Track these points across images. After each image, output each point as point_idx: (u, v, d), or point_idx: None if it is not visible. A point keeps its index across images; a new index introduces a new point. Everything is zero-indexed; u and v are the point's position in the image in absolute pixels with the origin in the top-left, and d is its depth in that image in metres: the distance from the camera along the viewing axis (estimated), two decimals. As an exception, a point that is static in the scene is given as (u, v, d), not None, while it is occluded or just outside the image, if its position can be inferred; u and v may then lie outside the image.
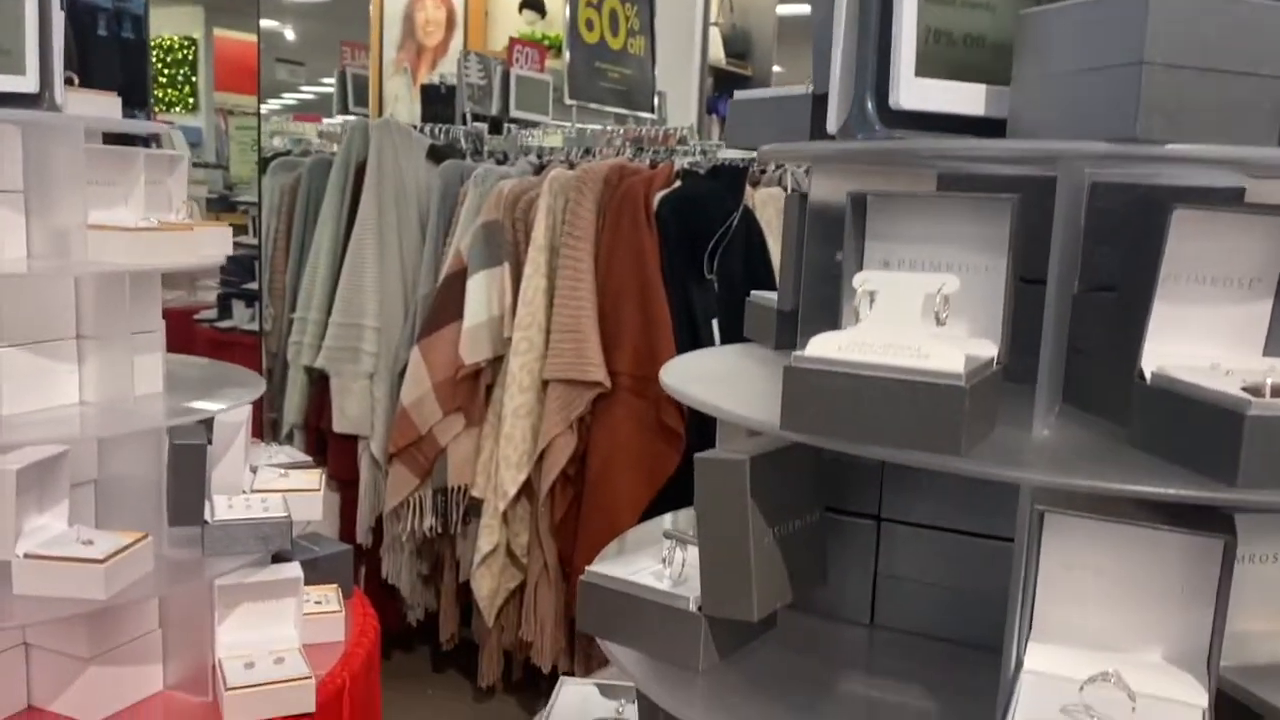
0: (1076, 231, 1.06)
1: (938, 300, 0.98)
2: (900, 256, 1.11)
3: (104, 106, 1.84)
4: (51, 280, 1.71)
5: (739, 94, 1.34)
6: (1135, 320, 1.00)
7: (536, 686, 3.30)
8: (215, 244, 1.86)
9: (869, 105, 1.05)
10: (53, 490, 1.64)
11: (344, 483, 3.32)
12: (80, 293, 1.74)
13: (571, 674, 3.08)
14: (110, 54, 3.32)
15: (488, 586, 3.07)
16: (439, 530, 3.18)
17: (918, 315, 0.98)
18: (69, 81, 1.72)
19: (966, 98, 1.05)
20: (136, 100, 3.24)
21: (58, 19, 1.65)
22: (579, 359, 2.92)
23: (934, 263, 1.09)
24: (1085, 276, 1.20)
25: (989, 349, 1.02)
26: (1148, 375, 0.97)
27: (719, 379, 1.28)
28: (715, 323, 3.08)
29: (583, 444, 3.01)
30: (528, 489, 3.04)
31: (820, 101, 1.17)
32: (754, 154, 3.25)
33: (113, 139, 1.96)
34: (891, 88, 1.03)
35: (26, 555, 1.56)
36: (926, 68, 1.04)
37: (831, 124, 1.10)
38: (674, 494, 2.83)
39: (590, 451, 3.00)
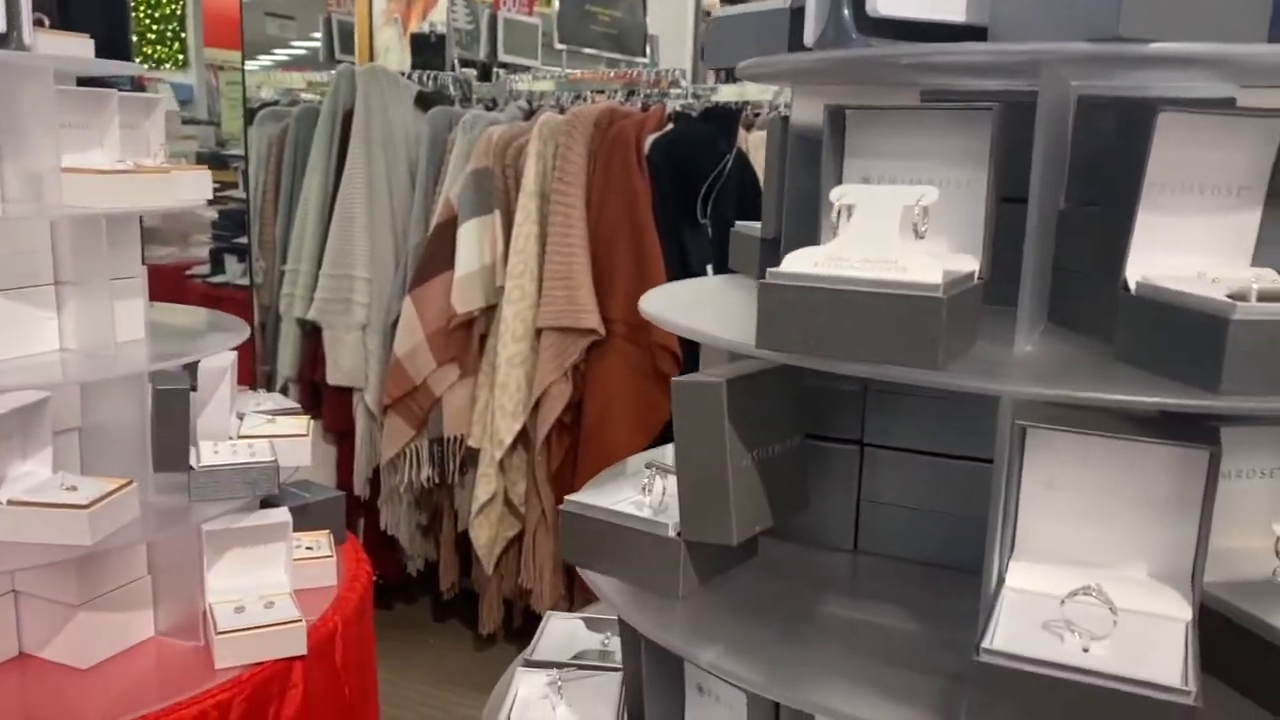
0: (1061, 143, 1.03)
1: (916, 212, 0.96)
2: (880, 173, 1.08)
3: (76, 48, 1.80)
4: (27, 225, 1.68)
5: (717, 11, 1.30)
6: (1121, 233, 0.98)
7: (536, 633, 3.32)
8: (193, 187, 1.83)
9: (845, 12, 1.01)
10: (35, 437, 1.63)
11: (340, 435, 3.32)
12: (56, 237, 1.71)
13: (571, 620, 3.10)
14: (91, 4, 3.27)
15: (486, 535, 3.07)
16: (436, 480, 3.18)
17: (896, 229, 0.95)
18: (39, 23, 1.69)
19: (947, 4, 1.02)
20: (119, 52, 3.19)
21: (24, -42, 1.61)
22: (572, 306, 2.90)
23: (915, 178, 1.06)
24: (1075, 194, 1.17)
25: (970, 264, 1.00)
26: (1132, 286, 0.95)
27: (700, 306, 1.25)
28: (710, 267, 3.05)
29: (578, 392, 2.99)
30: (524, 437, 3.03)
31: (799, 15, 1.14)
32: (748, 96, 3.21)
33: (95, 87, 1.92)
34: (868, -6, 0.99)
35: (10, 502, 1.55)
36: (905, -27, 1.00)
37: (809, 35, 1.07)
38: (670, 440, 2.82)
39: (586, 399, 2.99)
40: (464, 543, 3.24)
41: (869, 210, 0.96)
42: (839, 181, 1.06)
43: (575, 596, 3.09)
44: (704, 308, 1.24)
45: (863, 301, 0.90)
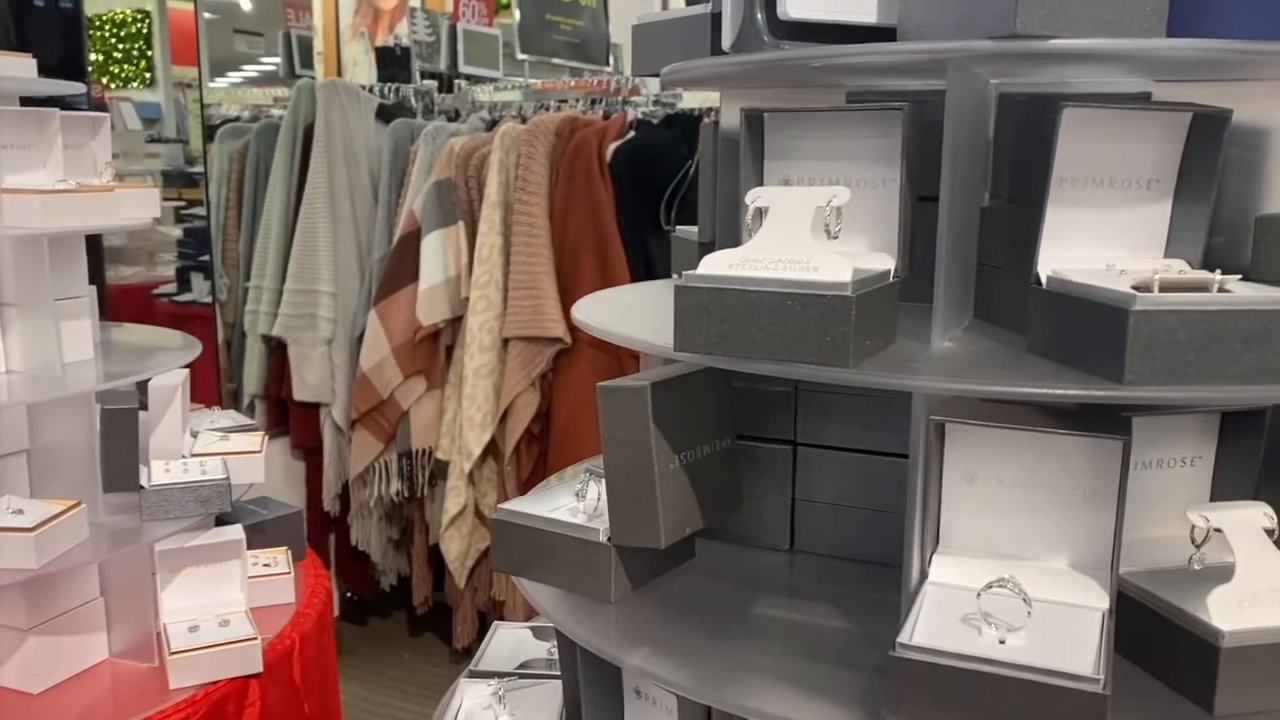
0: (975, 140, 1.04)
1: (828, 213, 0.96)
2: (800, 175, 1.09)
3: (16, 68, 1.79)
4: (-32, 247, 1.68)
5: (640, 18, 1.31)
6: (1032, 226, 0.98)
7: (512, 645, 3.31)
8: (139, 206, 1.82)
9: (759, 17, 1.02)
10: (-19, 460, 1.62)
11: (308, 451, 3.31)
12: (-1, 259, 1.71)
13: (545, 631, 3.09)
14: (48, 25, 3.26)
15: (458, 548, 3.06)
16: (406, 494, 3.17)
17: (808, 229, 0.96)
18: (-21, 45, 1.68)
19: (857, 6, 1.03)
20: (74, 71, 3.18)
21: (-40, -21, 1.61)
22: (538, 315, 2.91)
23: (833, 179, 1.07)
24: (999, 190, 1.18)
25: (886, 262, 1.00)
26: (1043, 279, 0.96)
27: (635, 310, 1.26)
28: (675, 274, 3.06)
29: (546, 401, 2.99)
30: (493, 448, 3.03)
31: (719, 20, 1.14)
32: (711, 102, 3.21)
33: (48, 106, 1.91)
34: (779, -2, 1.00)
35: (-45, 526, 1.54)
36: (814, -24, 1.01)
37: (725, 39, 1.08)
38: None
39: (554, 408, 2.99)
40: (436, 556, 3.23)
41: (782, 212, 0.97)
42: (760, 184, 1.06)
43: (548, 606, 3.08)
44: (640, 311, 1.25)
45: (774, 302, 0.90)
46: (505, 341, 2.97)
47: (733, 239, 1.25)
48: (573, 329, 2.92)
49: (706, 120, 3.14)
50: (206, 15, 4.72)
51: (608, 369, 2.92)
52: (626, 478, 1.05)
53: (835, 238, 0.97)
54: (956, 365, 0.92)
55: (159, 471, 1.76)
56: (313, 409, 3.23)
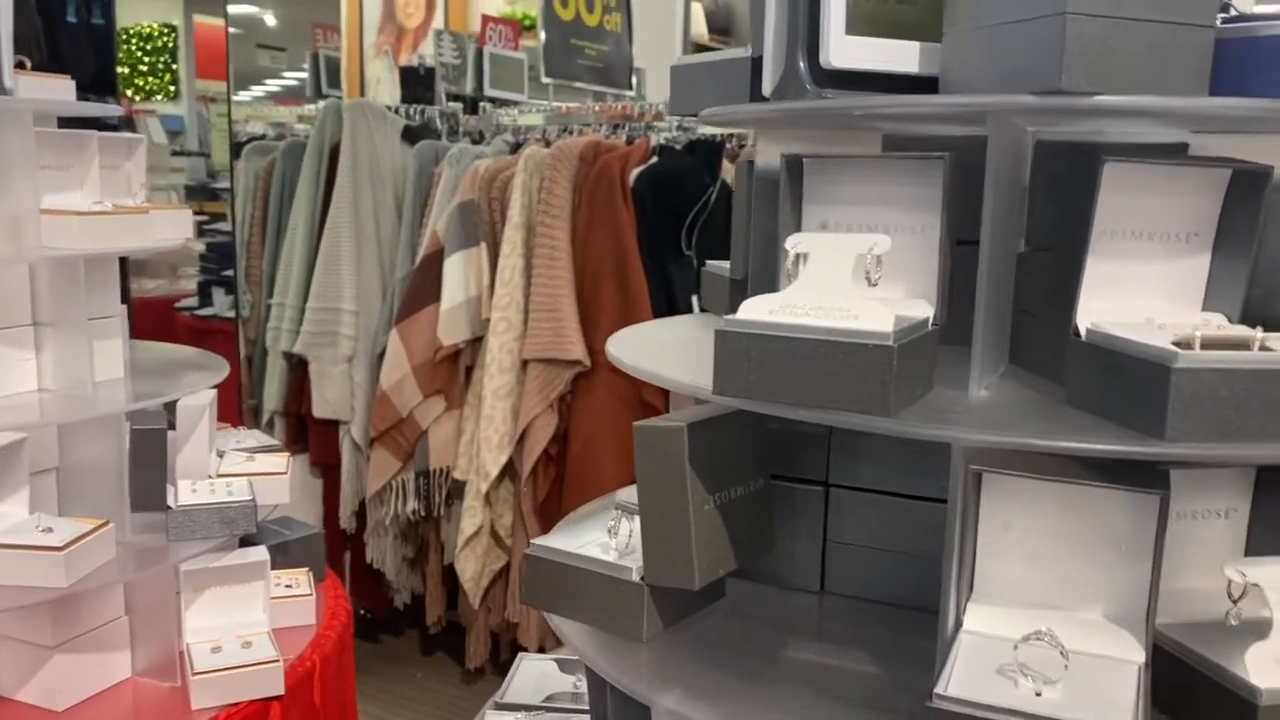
0: (1014, 189, 1.05)
1: (869, 261, 0.97)
2: (838, 219, 1.09)
3: (56, 90, 1.82)
4: (5, 267, 1.70)
5: (678, 60, 1.32)
6: (1071, 277, 0.99)
7: (524, 667, 3.31)
8: (173, 227, 1.84)
9: (801, 65, 1.03)
10: (12, 478, 1.63)
11: (326, 468, 3.32)
12: (35, 279, 1.73)
13: (558, 653, 3.09)
14: (79, 40, 3.30)
15: (472, 568, 3.07)
16: (422, 513, 3.18)
17: (849, 276, 0.96)
18: (20, 66, 1.70)
19: (899, 55, 1.04)
20: (105, 87, 3.22)
21: (5, 3, 1.63)
22: (558, 338, 2.92)
23: (871, 225, 1.08)
24: (1035, 237, 1.19)
25: (925, 310, 1.01)
26: (1082, 332, 0.96)
27: (668, 348, 1.27)
28: (696, 299, 3.07)
29: (564, 423, 3.00)
30: (510, 470, 3.04)
31: (759, 64, 1.16)
32: (731, 130, 3.24)
33: (84, 126, 1.94)
34: (822, 47, 1.01)
35: (-14, 543, 1.55)
36: (857, 26, 1.03)
37: (766, 85, 1.09)
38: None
39: (572, 431, 3.00)
40: (450, 576, 3.23)
41: (823, 258, 0.97)
42: (798, 228, 1.07)
43: (562, 629, 3.08)
44: (672, 349, 1.26)
45: (815, 350, 0.91)
46: (524, 363, 2.98)
47: (767, 277, 1.26)
48: (592, 352, 2.93)
49: (741, 159, 3.17)
50: (231, 30, 4.76)
51: (626, 393, 2.92)
52: (661, 517, 1.06)
53: (875, 285, 0.97)
54: (996, 416, 0.93)
55: (185, 492, 1.77)
56: (332, 426, 3.24)
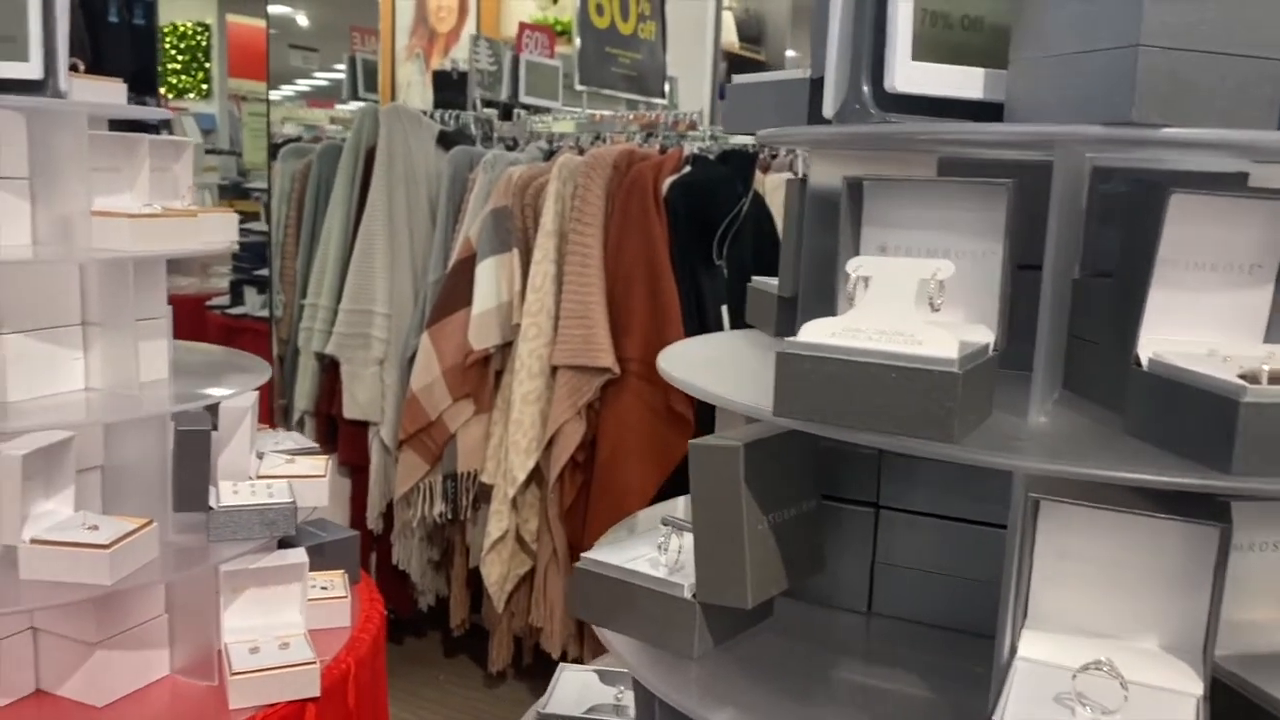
0: (1075, 216, 1.05)
1: (932, 286, 0.97)
2: (897, 242, 1.10)
3: (108, 93, 1.84)
4: (56, 267, 1.72)
5: (737, 78, 1.33)
6: (1132, 306, 0.99)
7: (546, 672, 3.28)
8: (220, 230, 1.86)
9: (865, 89, 1.04)
10: (59, 476, 1.65)
11: (354, 469, 3.34)
12: (85, 279, 1.75)
13: (580, 660, 3.10)
14: (121, 40, 3.33)
15: (497, 572, 3.08)
16: (449, 516, 3.19)
17: (911, 301, 0.97)
18: (74, 68, 1.73)
19: (964, 81, 1.04)
20: (146, 87, 3.26)
21: (62, 6, 1.65)
22: (588, 345, 2.93)
23: (931, 248, 1.08)
24: (1088, 262, 1.19)
25: (985, 335, 1.01)
26: (1144, 362, 0.96)
27: (718, 365, 1.27)
28: (725, 309, 3.07)
29: (592, 430, 3.01)
30: (537, 475, 3.05)
31: (818, 85, 1.16)
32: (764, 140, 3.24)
33: (123, 125, 1.96)
34: (887, 71, 1.02)
35: (33, 540, 1.56)
36: (923, 51, 1.03)
37: (828, 108, 1.09)
38: (683, 481, 2.83)
39: (599, 438, 3.00)
40: (475, 579, 3.25)
41: (885, 283, 0.98)
42: (856, 251, 1.08)
43: (586, 636, 3.09)
44: (722, 366, 1.26)
45: (878, 374, 0.91)
46: (554, 369, 2.99)
47: (819, 296, 1.26)
48: (621, 360, 2.93)
49: (773, 172, 3.17)
50: (262, 25, 4.80)
51: (654, 402, 2.93)
52: (715, 536, 1.06)
53: (937, 310, 0.98)
54: (1057, 444, 0.93)
55: (227, 493, 1.79)
56: (361, 427, 3.26)
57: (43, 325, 1.69)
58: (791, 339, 0.97)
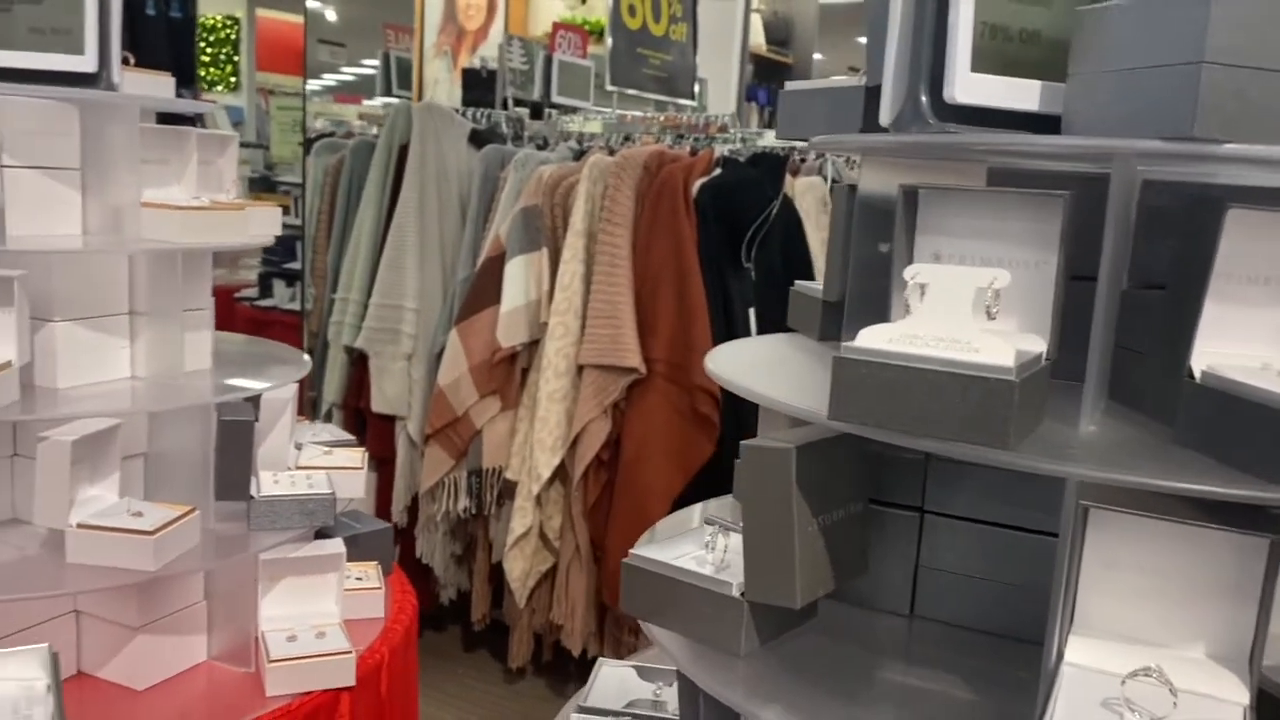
0: (1128, 229, 1.06)
1: (988, 295, 0.99)
2: (950, 250, 1.11)
3: (158, 86, 1.87)
4: (106, 257, 1.75)
5: (790, 85, 1.34)
6: (1185, 319, 1.01)
7: (565, 669, 3.34)
8: (265, 224, 1.89)
9: (923, 98, 1.05)
10: (105, 463, 1.68)
11: (380, 461, 3.37)
12: (134, 270, 1.78)
13: (600, 657, 3.11)
14: (159, 33, 3.37)
15: (520, 568, 3.10)
16: (473, 511, 3.21)
17: (968, 309, 0.98)
18: (124, 61, 1.76)
19: (1021, 93, 1.06)
20: (184, 79, 3.29)
21: (116, 5, 1.68)
22: (615, 345, 2.94)
23: (984, 257, 1.09)
24: (1134, 274, 1.20)
25: (1038, 344, 1.03)
26: (1197, 374, 0.98)
27: (764, 367, 1.29)
28: (752, 311, 3.09)
29: (617, 429, 3.03)
30: (561, 473, 3.07)
31: (873, 94, 1.18)
32: (794, 143, 3.26)
33: (161, 117, 1.99)
34: (946, 82, 1.03)
35: (79, 525, 1.59)
36: (982, 63, 1.04)
37: (884, 116, 1.11)
38: (707, 482, 2.85)
39: (624, 437, 3.02)
40: (497, 574, 3.27)
41: (942, 290, 0.99)
42: (911, 259, 1.09)
43: (606, 634, 3.11)
44: (768, 369, 1.28)
45: (936, 380, 0.93)
46: (580, 368, 3.01)
47: (866, 302, 1.28)
48: (648, 360, 2.95)
49: (814, 161, 3.19)
50: (291, 20, 4.83)
51: (680, 403, 2.95)
52: (765, 536, 1.08)
53: (994, 319, 0.99)
54: (1110, 453, 0.94)
55: (268, 483, 1.82)
56: (388, 421, 3.29)
57: (92, 314, 1.72)
58: (849, 344, 0.98)
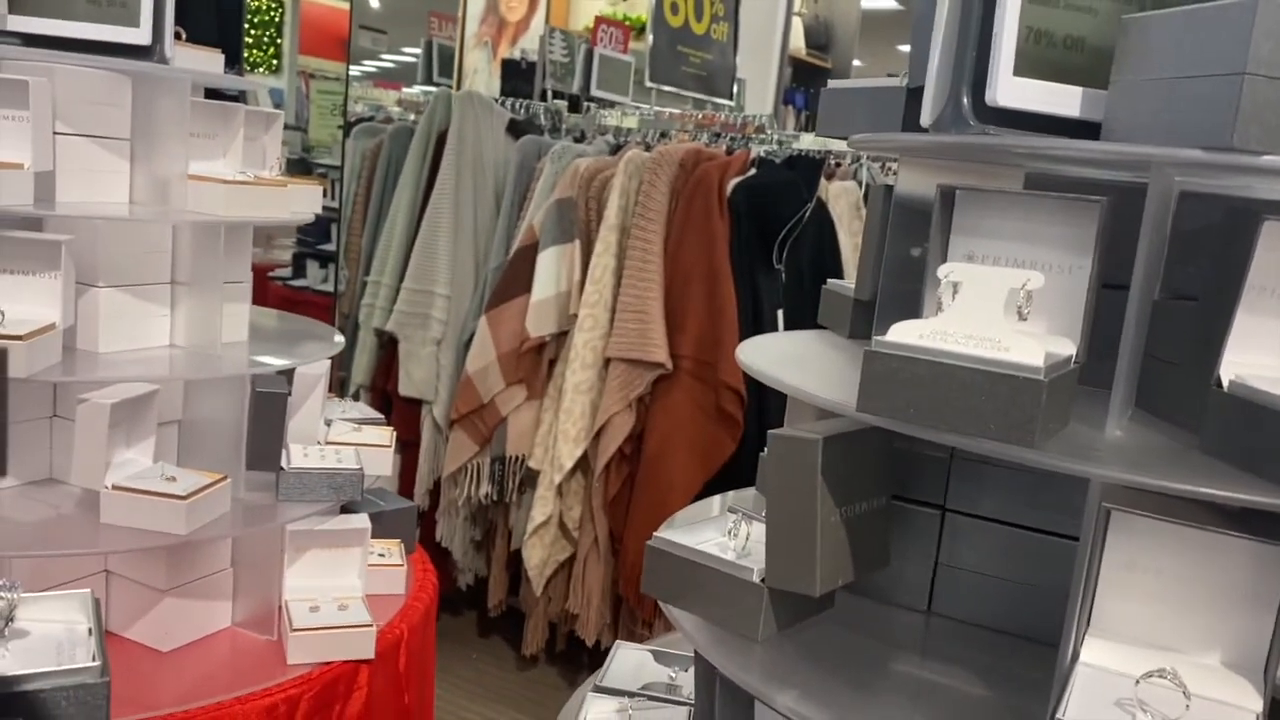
0: (1163, 239, 1.07)
1: (1021, 295, 1.00)
2: (984, 252, 1.12)
3: (208, 62, 1.91)
4: (151, 226, 1.78)
5: (832, 83, 1.36)
6: (1215, 329, 1.01)
7: (579, 659, 3.36)
8: (306, 201, 1.92)
9: (965, 101, 1.06)
10: (141, 427, 1.72)
11: (405, 444, 3.40)
12: (177, 240, 1.81)
13: (614, 648, 3.14)
14: (208, 10, 3.41)
15: (538, 557, 3.13)
16: (494, 498, 3.24)
17: (1000, 309, 1.00)
18: (177, 36, 1.79)
19: (1062, 99, 1.07)
20: (230, 58, 3.33)
21: (172, -23, 1.71)
22: (642, 339, 2.96)
23: (1017, 260, 1.11)
24: (1168, 284, 1.21)
25: (1067, 347, 1.04)
26: (1225, 383, 0.98)
27: (794, 361, 1.30)
28: (780, 313, 3.10)
29: (640, 423, 3.05)
30: (584, 464, 3.09)
31: (914, 94, 1.19)
32: (830, 145, 3.27)
33: (206, 94, 2.03)
34: (989, 85, 1.05)
35: (114, 487, 1.63)
36: (1025, 67, 1.05)
37: (925, 117, 1.12)
38: (727, 480, 2.86)
39: (648, 431, 3.04)
40: (515, 561, 3.30)
41: (976, 289, 1.01)
42: (945, 258, 1.10)
43: (620, 626, 3.13)
44: (798, 363, 1.29)
45: (965, 377, 0.94)
46: (607, 361, 3.03)
47: (898, 300, 1.29)
48: (675, 357, 2.97)
49: (849, 165, 3.19)
50: (335, 5, 4.87)
51: (704, 400, 2.97)
52: (788, 524, 1.10)
53: (1025, 320, 1.00)
54: (1136, 457, 0.95)
55: (298, 455, 1.85)
56: (415, 405, 3.32)
57: (135, 282, 1.75)
58: (880, 338, 1.00)
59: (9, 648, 0.97)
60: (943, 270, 1.03)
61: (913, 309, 1.20)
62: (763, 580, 1.13)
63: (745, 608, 1.13)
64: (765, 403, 2.93)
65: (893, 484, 1.23)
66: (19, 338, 1.50)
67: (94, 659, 0.98)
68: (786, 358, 1.32)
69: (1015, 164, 1.23)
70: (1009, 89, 1.05)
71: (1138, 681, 0.93)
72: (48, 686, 0.89)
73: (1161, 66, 0.97)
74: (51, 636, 1.03)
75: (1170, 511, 0.99)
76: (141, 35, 1.70)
